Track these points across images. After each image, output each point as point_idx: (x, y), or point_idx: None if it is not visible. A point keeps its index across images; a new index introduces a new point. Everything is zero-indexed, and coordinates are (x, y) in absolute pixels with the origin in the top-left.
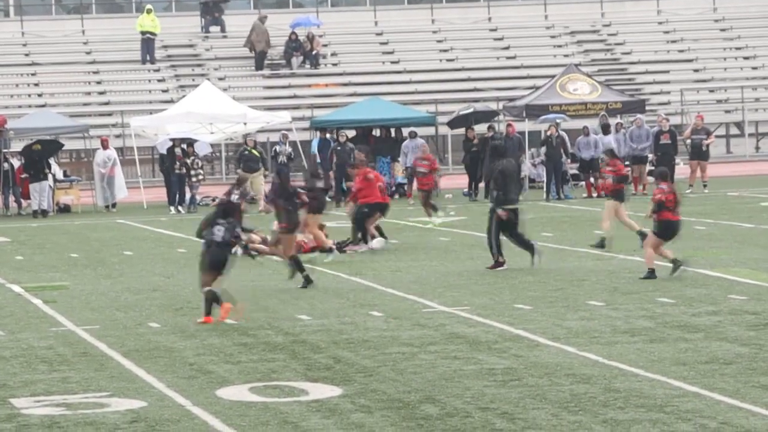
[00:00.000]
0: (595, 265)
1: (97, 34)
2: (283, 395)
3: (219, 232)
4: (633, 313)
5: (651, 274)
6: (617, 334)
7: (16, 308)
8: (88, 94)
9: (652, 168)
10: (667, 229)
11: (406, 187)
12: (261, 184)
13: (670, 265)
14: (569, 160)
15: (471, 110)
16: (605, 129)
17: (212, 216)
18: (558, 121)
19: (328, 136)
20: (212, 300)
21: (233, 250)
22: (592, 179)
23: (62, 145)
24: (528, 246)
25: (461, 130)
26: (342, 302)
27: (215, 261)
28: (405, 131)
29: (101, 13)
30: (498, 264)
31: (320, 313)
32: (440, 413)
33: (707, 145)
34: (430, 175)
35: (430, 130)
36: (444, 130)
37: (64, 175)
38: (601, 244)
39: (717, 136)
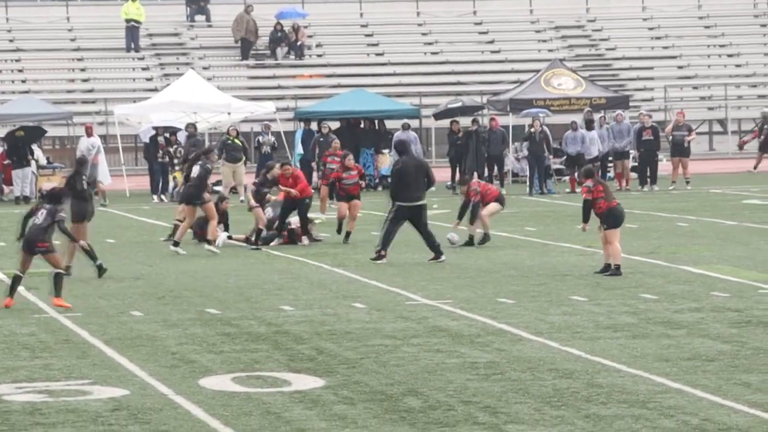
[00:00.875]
0: (578, 261)
1: (81, 21)
2: (265, 386)
3: (41, 215)
4: (616, 308)
5: (617, 270)
6: (600, 330)
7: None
8: (72, 81)
9: (635, 164)
10: (612, 217)
11: (386, 181)
12: (243, 174)
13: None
14: (552, 155)
15: (459, 104)
16: (589, 124)
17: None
18: (541, 115)
19: (312, 127)
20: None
21: (218, 242)
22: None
23: (45, 132)
24: (433, 247)
25: (445, 123)
26: (325, 293)
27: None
28: (397, 123)
29: (86, 0)
30: (379, 256)
31: (303, 304)
32: (423, 406)
33: (689, 142)
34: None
35: (414, 123)
36: (428, 122)
37: (47, 161)
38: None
39: (700, 133)
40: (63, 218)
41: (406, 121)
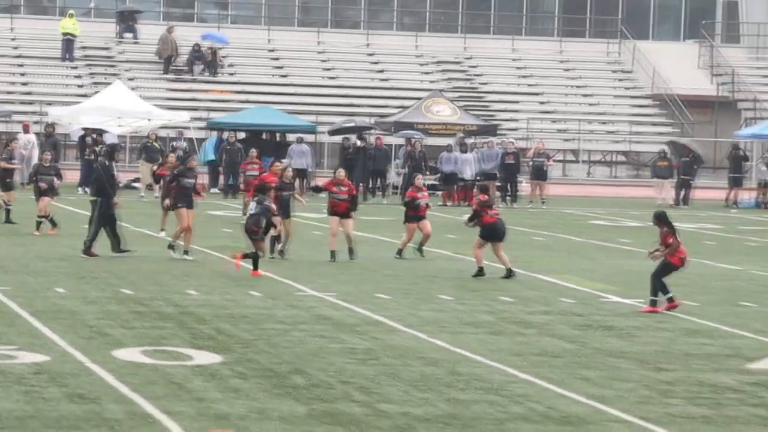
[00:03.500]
0: (446, 265)
1: (24, 33)
2: (170, 359)
3: None
4: (477, 308)
5: (480, 272)
6: (462, 325)
7: None
8: (13, 84)
9: (499, 184)
10: (491, 230)
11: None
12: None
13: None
14: (428, 172)
15: (353, 124)
16: (464, 148)
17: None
18: (416, 137)
19: (224, 135)
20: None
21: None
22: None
23: None
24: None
25: (337, 139)
26: (226, 282)
27: None
28: (293, 137)
29: (29, 14)
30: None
31: (207, 289)
32: (306, 384)
33: (547, 167)
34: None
35: (310, 137)
36: (322, 137)
37: None
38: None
39: (556, 161)
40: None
41: (300, 135)
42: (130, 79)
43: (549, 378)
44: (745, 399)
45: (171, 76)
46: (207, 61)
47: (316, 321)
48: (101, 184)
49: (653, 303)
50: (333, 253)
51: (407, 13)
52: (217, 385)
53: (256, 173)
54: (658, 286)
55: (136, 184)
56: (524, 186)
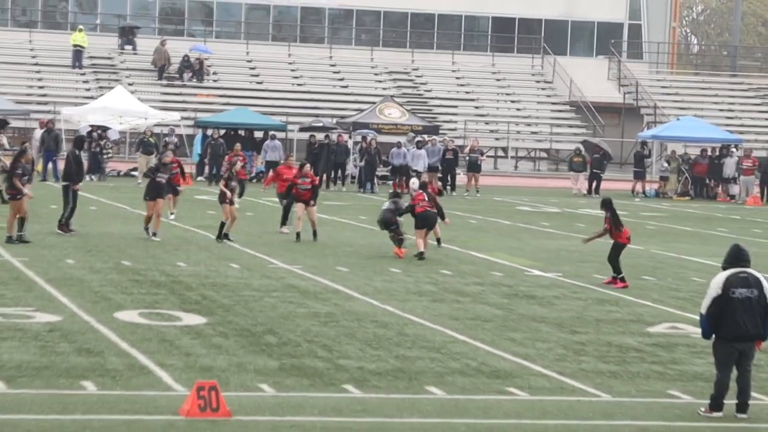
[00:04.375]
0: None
1: (40, 44)
2: (163, 320)
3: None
4: (421, 279)
5: (421, 255)
6: (409, 294)
7: None
8: (31, 87)
9: (441, 175)
10: (424, 219)
11: (262, 175)
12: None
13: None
14: (381, 165)
15: (321, 124)
16: (419, 144)
17: None
18: (371, 135)
19: (209, 132)
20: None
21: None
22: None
23: (8, 123)
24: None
25: (305, 135)
26: (209, 255)
27: None
28: (265, 133)
29: (45, 28)
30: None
31: (194, 262)
32: (278, 342)
33: (480, 162)
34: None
35: (281, 134)
36: (292, 134)
37: (9, 145)
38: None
39: (488, 156)
40: None
41: (273, 132)
42: (130, 84)
43: (482, 339)
44: (646, 357)
45: (164, 82)
46: (195, 69)
47: (286, 289)
48: (69, 171)
49: (622, 279)
50: (298, 234)
51: (364, 31)
52: (202, 343)
53: (241, 164)
54: (613, 266)
55: (134, 173)
56: (461, 177)
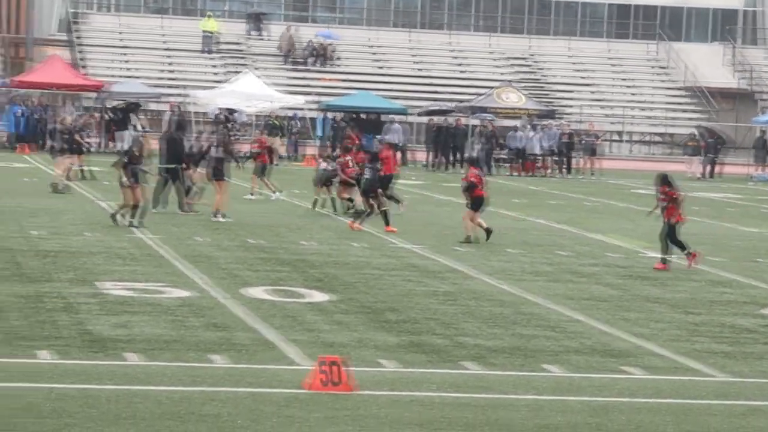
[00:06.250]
0: (512, 224)
1: (171, 30)
2: (287, 296)
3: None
4: (537, 260)
5: (468, 239)
6: (526, 274)
7: (102, 218)
8: (162, 71)
9: (557, 159)
10: (479, 203)
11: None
12: (279, 144)
13: (484, 233)
14: (499, 148)
15: (437, 108)
16: (534, 128)
17: None
18: (489, 119)
19: (330, 115)
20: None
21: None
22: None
23: (141, 106)
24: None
25: (424, 119)
26: (332, 234)
27: None
28: (387, 117)
29: (176, 14)
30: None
31: (317, 241)
32: (398, 319)
33: (596, 145)
34: (263, 154)
35: (402, 118)
36: (413, 118)
37: (141, 127)
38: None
39: (604, 140)
40: None
41: (393, 116)
42: (257, 69)
43: (597, 318)
44: (759, 338)
45: (290, 66)
46: (319, 54)
47: (406, 268)
48: (174, 153)
49: (688, 255)
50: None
51: (484, 17)
52: (325, 319)
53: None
54: (676, 244)
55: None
56: (577, 160)
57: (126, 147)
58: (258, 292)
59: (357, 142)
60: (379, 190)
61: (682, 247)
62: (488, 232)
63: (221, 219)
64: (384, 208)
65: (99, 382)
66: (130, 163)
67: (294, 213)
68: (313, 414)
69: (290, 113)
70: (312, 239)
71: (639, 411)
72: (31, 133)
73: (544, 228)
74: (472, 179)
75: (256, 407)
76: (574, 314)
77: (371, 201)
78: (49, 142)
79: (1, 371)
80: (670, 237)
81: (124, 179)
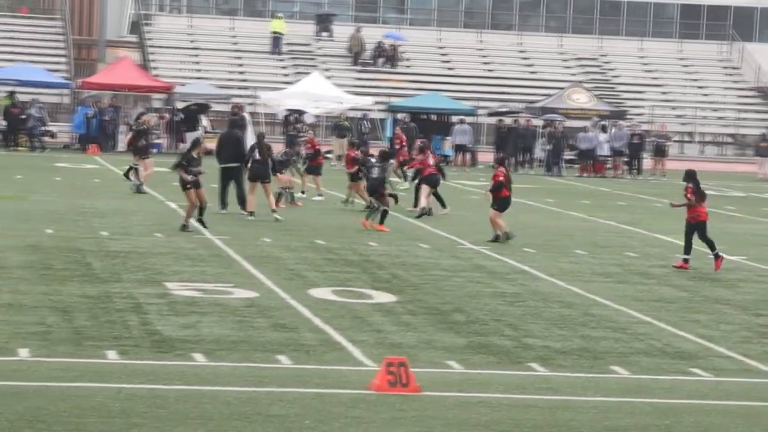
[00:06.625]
0: (581, 225)
1: (241, 31)
2: (354, 297)
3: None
4: (606, 261)
5: (496, 238)
6: (594, 275)
7: (171, 219)
8: (232, 72)
9: (626, 160)
10: (504, 203)
11: (450, 158)
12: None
13: (500, 234)
14: (568, 149)
15: (506, 109)
16: (603, 129)
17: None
18: (558, 120)
19: (399, 116)
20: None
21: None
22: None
23: (210, 107)
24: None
25: (493, 120)
26: (400, 236)
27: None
28: (455, 118)
29: (245, 16)
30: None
31: (384, 242)
32: (466, 320)
33: (667, 146)
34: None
35: (470, 119)
36: (481, 119)
37: (211, 128)
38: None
39: (674, 141)
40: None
41: (462, 117)
42: (326, 70)
43: (666, 320)
44: None
45: (358, 67)
46: (388, 55)
47: (474, 269)
48: (232, 152)
49: (716, 257)
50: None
51: (552, 18)
52: (392, 320)
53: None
54: (707, 242)
55: (329, 155)
56: (647, 162)
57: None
58: (325, 293)
59: (404, 143)
60: (386, 191)
61: (712, 246)
62: (507, 236)
63: (276, 217)
64: (384, 208)
65: (167, 383)
66: (190, 165)
67: (363, 214)
68: (380, 415)
69: (359, 114)
70: (380, 240)
71: (708, 413)
72: (101, 134)
73: (613, 229)
74: (501, 179)
75: (323, 408)
76: (642, 316)
77: (376, 199)
78: (120, 143)
79: (70, 371)
80: (699, 235)
81: (187, 180)
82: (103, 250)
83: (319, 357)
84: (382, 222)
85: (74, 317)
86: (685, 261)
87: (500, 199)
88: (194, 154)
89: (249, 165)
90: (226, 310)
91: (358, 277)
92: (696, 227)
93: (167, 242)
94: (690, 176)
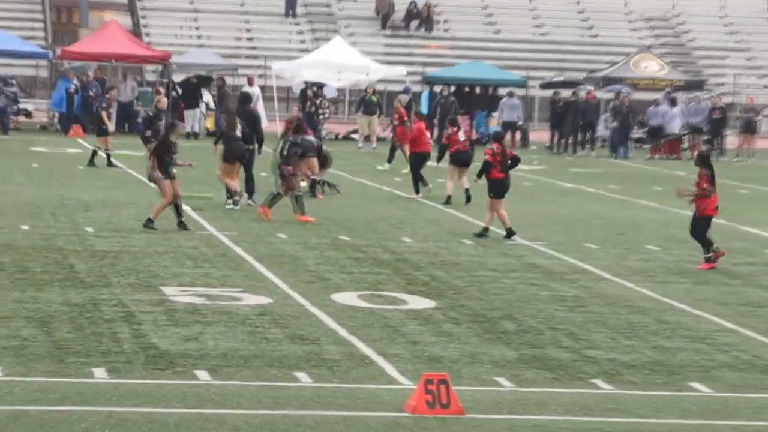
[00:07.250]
0: (653, 216)
1: None
2: (386, 303)
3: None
4: (683, 258)
5: (509, 233)
6: (670, 275)
7: (169, 213)
8: (239, 39)
9: (707, 138)
10: (498, 187)
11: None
12: (377, 125)
13: (509, 227)
14: (637, 126)
15: (562, 78)
16: (673, 102)
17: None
18: (625, 92)
19: (437, 89)
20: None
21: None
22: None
23: (213, 80)
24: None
25: (548, 93)
26: (439, 230)
27: None
28: (503, 90)
29: None
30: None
31: (421, 237)
32: (517, 329)
33: (756, 121)
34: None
35: (520, 91)
36: (533, 91)
37: (215, 104)
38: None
39: (764, 115)
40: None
41: (511, 89)
42: (350, 35)
43: (754, 327)
44: None
45: (388, 31)
46: (422, 17)
47: (527, 269)
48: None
49: (708, 260)
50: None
51: None
52: (431, 329)
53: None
54: (702, 242)
55: (354, 135)
56: (731, 139)
57: (196, 126)
58: (351, 299)
59: (405, 118)
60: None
61: (708, 245)
62: (509, 232)
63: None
64: (298, 194)
65: (166, 405)
66: (167, 153)
67: (395, 204)
68: None
69: (391, 87)
70: (415, 235)
71: None
72: (85, 113)
73: (690, 220)
74: (486, 157)
75: None
76: (726, 323)
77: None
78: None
79: (51, 392)
80: (700, 231)
81: (157, 173)
82: (88, 249)
83: (344, 374)
84: (271, 205)
85: (55, 329)
86: (707, 260)
87: (492, 182)
88: (172, 138)
89: (223, 143)
90: (234, 319)
91: (389, 280)
92: (700, 221)
93: (164, 240)
94: (703, 159)
